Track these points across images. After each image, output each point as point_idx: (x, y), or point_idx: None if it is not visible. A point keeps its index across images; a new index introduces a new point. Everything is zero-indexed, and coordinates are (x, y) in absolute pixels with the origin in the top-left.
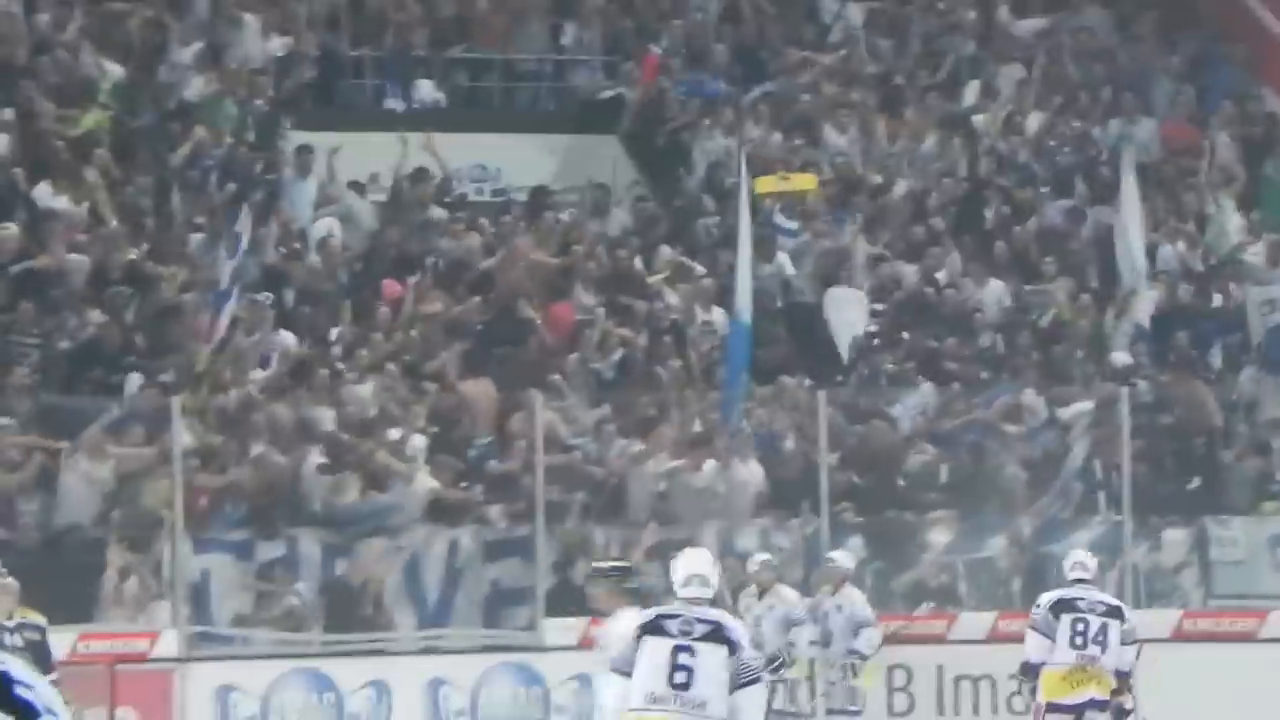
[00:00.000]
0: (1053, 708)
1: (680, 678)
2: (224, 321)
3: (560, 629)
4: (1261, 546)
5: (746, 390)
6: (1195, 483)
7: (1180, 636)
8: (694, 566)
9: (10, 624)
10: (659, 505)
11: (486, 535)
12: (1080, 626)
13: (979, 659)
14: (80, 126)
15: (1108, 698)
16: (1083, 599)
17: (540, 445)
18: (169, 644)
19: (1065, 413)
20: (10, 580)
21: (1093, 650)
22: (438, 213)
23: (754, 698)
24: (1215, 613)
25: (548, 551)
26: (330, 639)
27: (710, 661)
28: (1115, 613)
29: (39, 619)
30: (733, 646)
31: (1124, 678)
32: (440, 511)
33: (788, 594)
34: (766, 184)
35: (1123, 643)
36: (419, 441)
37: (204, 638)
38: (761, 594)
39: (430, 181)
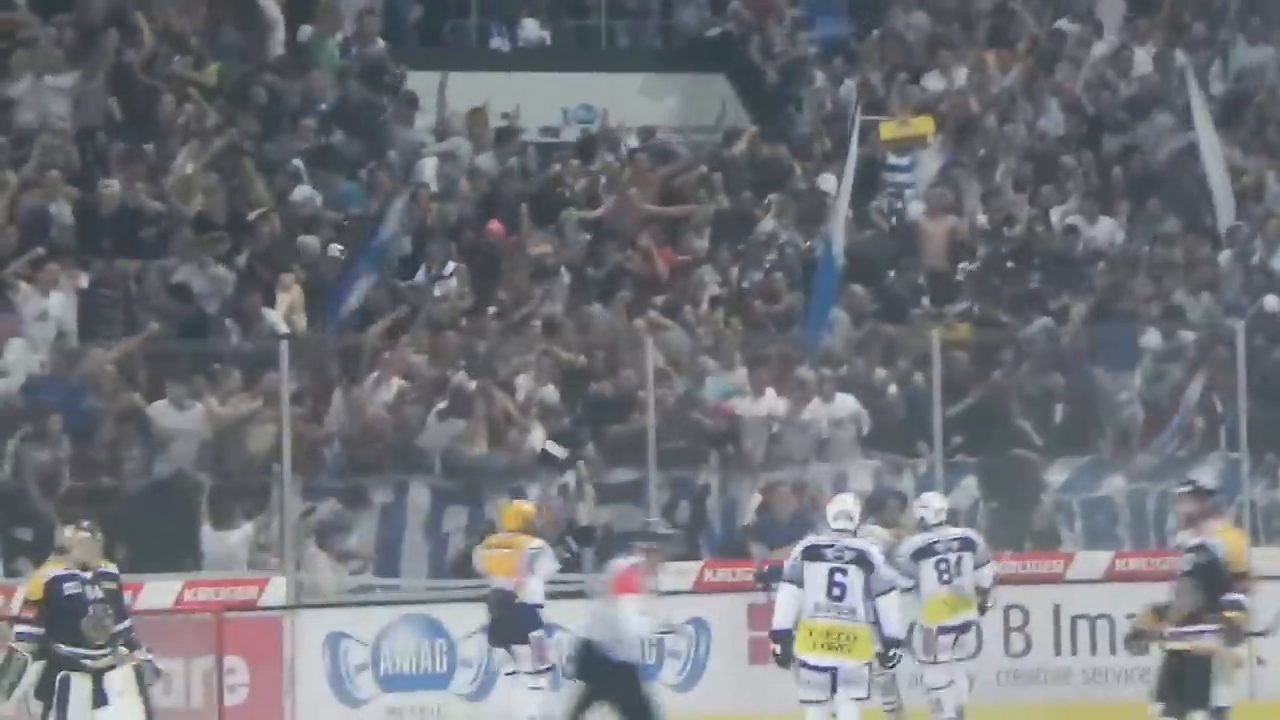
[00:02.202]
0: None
1: (836, 592)
2: (352, 302)
3: (673, 573)
4: None
5: (830, 327)
6: None
7: None
8: (842, 505)
9: (88, 575)
10: (771, 447)
11: (597, 479)
12: (943, 565)
13: (1096, 599)
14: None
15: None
16: (939, 541)
17: (651, 390)
18: (277, 591)
19: (1176, 347)
20: (89, 533)
21: (958, 582)
22: (543, 154)
23: (891, 602)
24: None
25: (660, 495)
26: (438, 584)
27: (856, 579)
28: (968, 545)
29: (113, 568)
30: (871, 567)
31: (984, 593)
32: (552, 461)
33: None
34: (889, 129)
35: (976, 567)
36: (545, 392)
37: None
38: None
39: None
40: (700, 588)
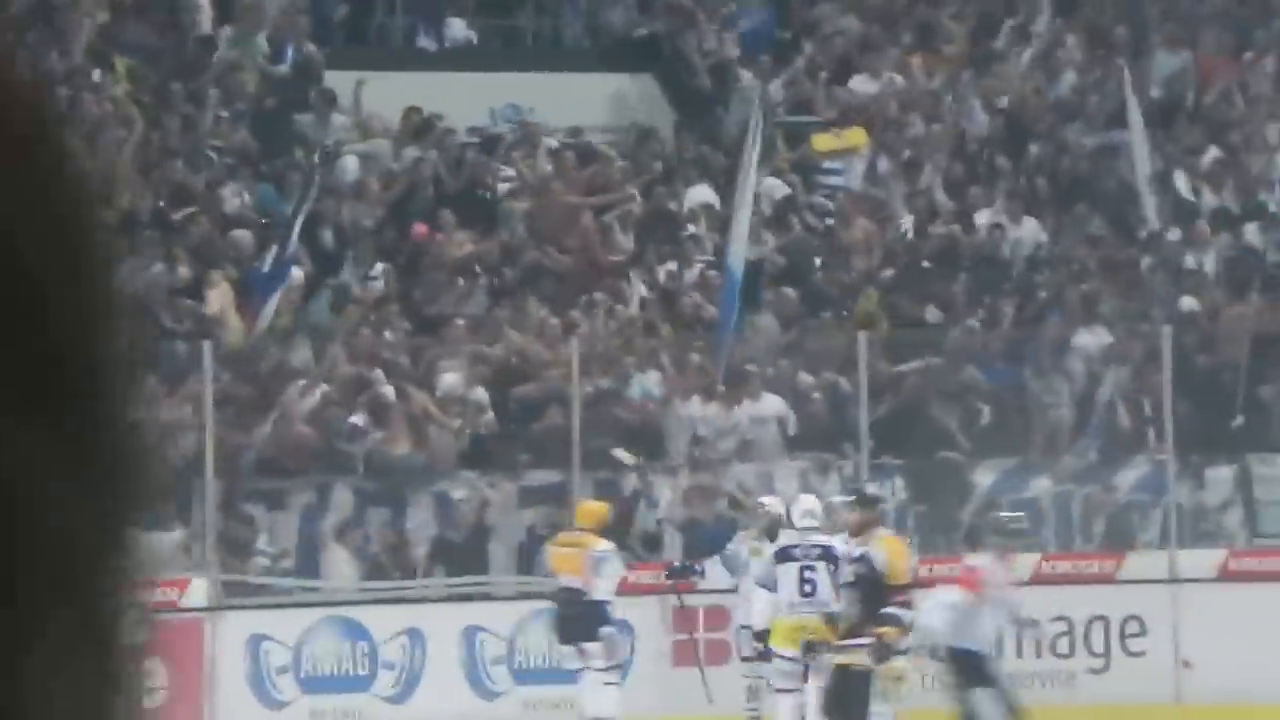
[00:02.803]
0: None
1: (807, 589)
2: (270, 308)
3: None
4: None
5: (736, 334)
6: (1239, 420)
7: (1226, 575)
8: (807, 505)
9: None
10: (694, 449)
11: (522, 481)
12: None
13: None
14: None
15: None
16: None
17: (577, 388)
18: (198, 593)
19: (1088, 348)
20: None
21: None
22: (470, 154)
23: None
24: (1260, 551)
25: (583, 496)
26: (362, 586)
27: (825, 575)
28: (828, 555)
29: None
30: (836, 562)
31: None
32: (476, 459)
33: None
34: (822, 141)
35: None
36: (456, 383)
37: (234, 586)
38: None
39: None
40: (624, 590)
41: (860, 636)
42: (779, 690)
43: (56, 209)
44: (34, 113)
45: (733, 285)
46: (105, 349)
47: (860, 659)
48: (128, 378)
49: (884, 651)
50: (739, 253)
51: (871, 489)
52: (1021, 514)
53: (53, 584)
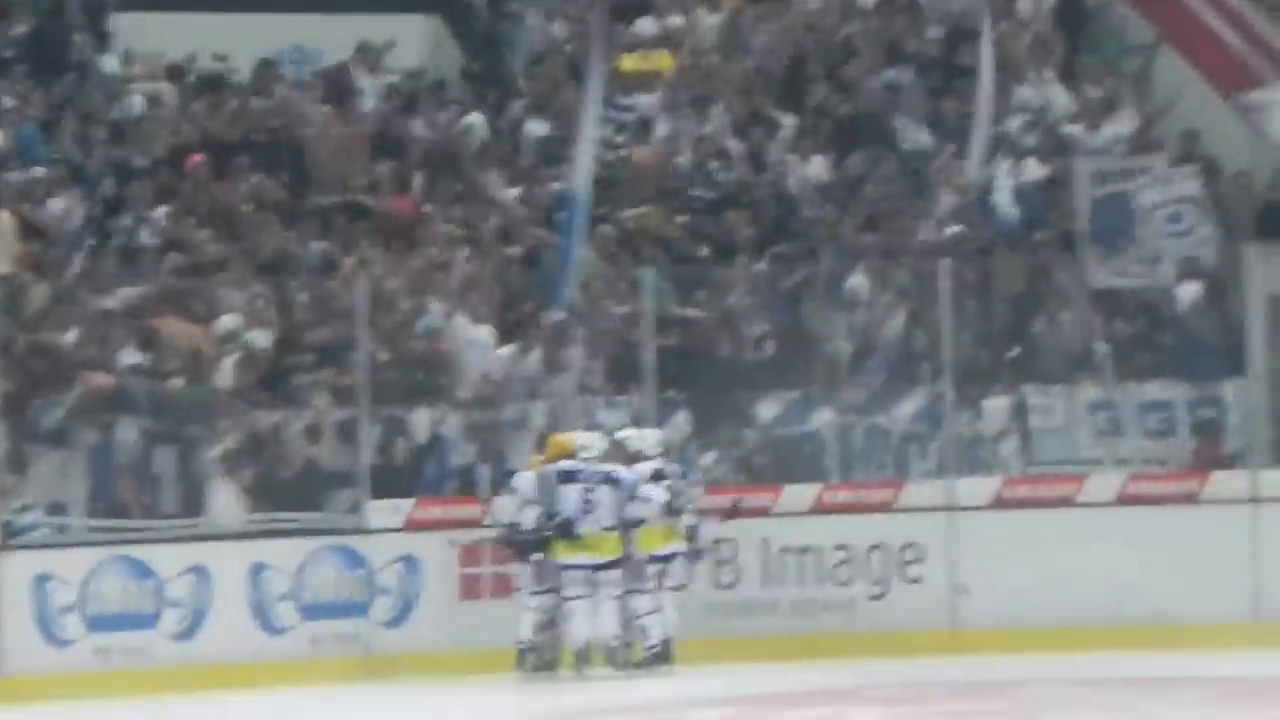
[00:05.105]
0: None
1: (588, 507)
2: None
3: (384, 511)
4: (1081, 413)
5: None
6: (1014, 352)
7: (1000, 503)
8: (587, 441)
9: None
10: (485, 386)
11: (307, 418)
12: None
13: (804, 531)
14: None
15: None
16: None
17: (365, 322)
18: None
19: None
20: None
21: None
22: (254, 96)
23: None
24: (1033, 479)
25: (371, 433)
26: (149, 524)
27: (605, 496)
28: (611, 479)
29: None
30: (616, 484)
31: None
32: (261, 392)
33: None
34: (629, 61)
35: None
36: (232, 322)
37: (17, 526)
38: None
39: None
40: (410, 525)
41: None
42: (572, 598)
43: None
44: None
45: (579, 212)
46: None
47: None
48: None
49: None
50: (585, 176)
51: None
52: None
53: None
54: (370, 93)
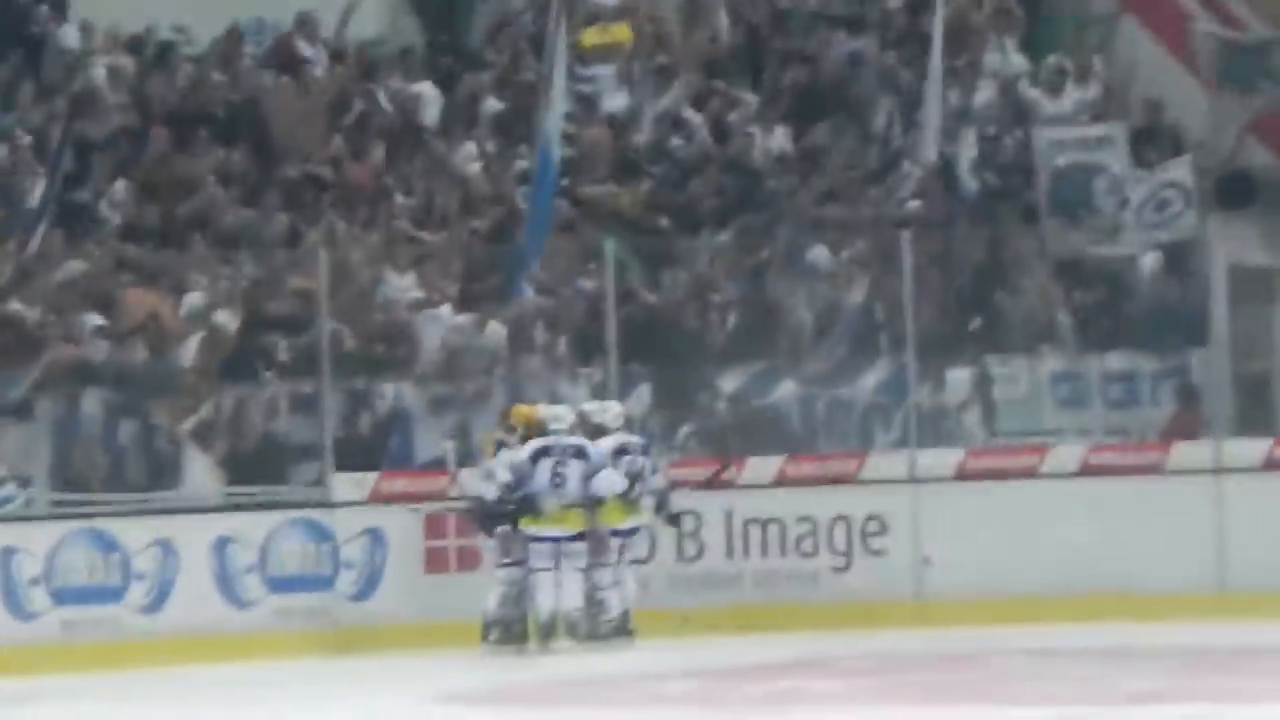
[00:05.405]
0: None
1: (558, 480)
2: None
3: (349, 484)
4: (1044, 384)
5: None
6: (977, 323)
7: (964, 474)
8: (557, 413)
9: None
10: (447, 360)
11: (272, 389)
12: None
13: (767, 503)
14: None
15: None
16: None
17: (325, 294)
18: None
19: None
20: None
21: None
22: (214, 68)
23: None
24: (996, 450)
25: (335, 404)
26: (114, 498)
27: (575, 470)
28: (580, 453)
29: None
30: (586, 458)
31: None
32: (226, 367)
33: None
34: (590, 36)
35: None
36: (198, 300)
37: None
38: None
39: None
40: (375, 498)
41: None
42: (538, 570)
43: None
44: None
45: (549, 177)
46: None
47: None
48: None
49: None
50: (554, 141)
51: None
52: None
53: None
54: (317, 62)
